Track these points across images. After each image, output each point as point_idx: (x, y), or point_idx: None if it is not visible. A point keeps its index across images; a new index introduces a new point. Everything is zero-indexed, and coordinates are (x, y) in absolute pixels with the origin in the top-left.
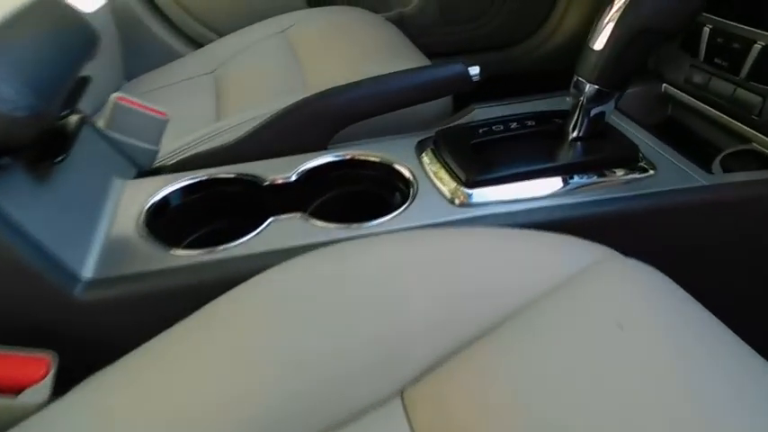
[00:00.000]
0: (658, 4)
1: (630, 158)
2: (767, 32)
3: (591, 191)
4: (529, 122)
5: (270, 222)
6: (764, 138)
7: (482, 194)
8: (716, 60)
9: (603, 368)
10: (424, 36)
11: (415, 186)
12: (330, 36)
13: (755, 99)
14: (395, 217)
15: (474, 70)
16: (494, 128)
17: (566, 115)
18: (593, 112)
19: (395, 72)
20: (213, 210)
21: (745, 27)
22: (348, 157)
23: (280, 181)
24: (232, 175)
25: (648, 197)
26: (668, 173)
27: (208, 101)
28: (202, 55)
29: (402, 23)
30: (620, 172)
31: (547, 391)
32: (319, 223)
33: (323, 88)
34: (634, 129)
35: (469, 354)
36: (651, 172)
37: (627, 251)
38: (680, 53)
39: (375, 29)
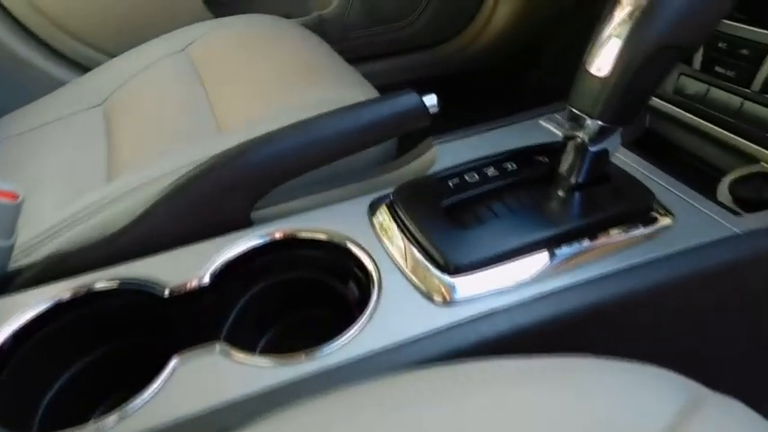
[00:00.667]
0: (679, 12)
1: (646, 209)
2: None
3: (607, 260)
4: (509, 165)
5: (174, 367)
6: None
7: (470, 284)
8: (717, 69)
9: None
10: (346, 39)
11: (377, 277)
12: (239, 53)
13: None
14: (358, 335)
15: (430, 100)
16: (466, 177)
17: (552, 150)
18: (595, 153)
19: (330, 113)
20: (83, 349)
21: (759, 30)
22: (279, 236)
23: (187, 287)
24: (115, 284)
25: (678, 258)
26: (690, 219)
27: (94, 147)
28: (89, 82)
29: (322, 27)
30: (635, 229)
31: None
32: (249, 359)
33: (236, 129)
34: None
35: None
36: (668, 221)
37: (661, 333)
38: None
39: (292, 40)
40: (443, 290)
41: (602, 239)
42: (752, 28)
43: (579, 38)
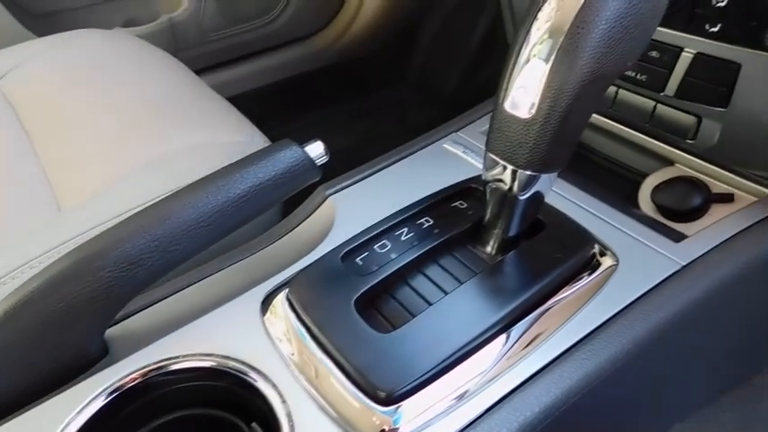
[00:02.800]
0: (617, 41)
1: (589, 258)
2: (701, 37)
3: (562, 334)
4: (425, 222)
5: None
6: (695, 159)
7: (412, 412)
8: (627, 72)
9: None
10: (205, 43)
11: (285, 415)
12: (72, 87)
13: (688, 120)
14: None
15: (316, 149)
16: (377, 248)
17: (470, 192)
18: (525, 202)
19: (195, 187)
20: None
21: (669, 31)
22: (141, 378)
23: None
24: None
25: (631, 316)
26: (632, 257)
27: None
28: None
29: (174, 32)
30: (582, 281)
31: None
32: None
33: (78, 206)
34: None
35: None
36: (611, 262)
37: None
38: None
39: (140, 64)
40: (379, 426)
41: (552, 308)
42: (662, 29)
43: (453, 15)
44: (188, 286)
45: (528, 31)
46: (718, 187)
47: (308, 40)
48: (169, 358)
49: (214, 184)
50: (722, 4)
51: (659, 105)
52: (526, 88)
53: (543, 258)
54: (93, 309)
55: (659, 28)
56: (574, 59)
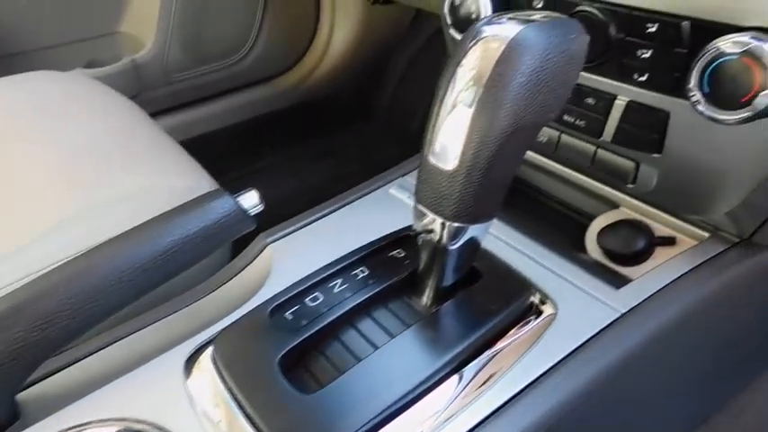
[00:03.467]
0: (533, 92)
1: (526, 308)
2: (631, 85)
3: (497, 390)
4: (360, 272)
5: None
6: (638, 203)
7: None
8: (566, 118)
9: None
10: (170, 84)
11: None
12: (8, 130)
13: (627, 165)
14: None
15: (250, 200)
16: (308, 302)
17: (408, 241)
18: (458, 251)
19: (120, 239)
20: None
21: (603, 78)
22: None
23: None
24: None
25: (568, 368)
26: (572, 308)
27: None
28: None
29: (137, 74)
30: (519, 333)
31: None
32: None
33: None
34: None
35: None
36: (551, 311)
37: None
38: None
39: (83, 102)
40: None
41: (486, 362)
42: (595, 77)
43: (419, 54)
44: (112, 343)
45: (450, 82)
46: (661, 230)
47: (275, 81)
48: (80, 425)
49: (140, 236)
50: (647, 56)
51: (599, 150)
52: (449, 140)
53: (478, 309)
54: (1, 371)
55: (593, 76)
56: (493, 112)
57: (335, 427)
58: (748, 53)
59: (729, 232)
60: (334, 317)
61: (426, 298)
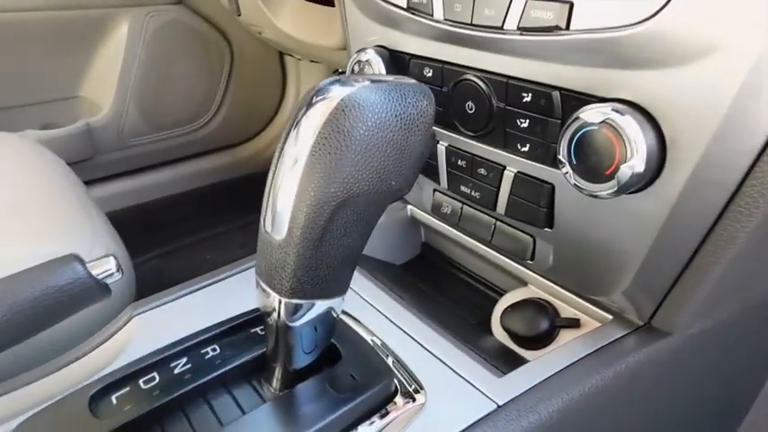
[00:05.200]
0: (360, 158)
1: (385, 396)
2: (517, 156)
3: None
4: (210, 351)
5: None
6: (544, 281)
7: None
8: (462, 189)
9: None
10: (126, 147)
11: None
12: None
13: (525, 239)
14: None
15: (102, 266)
16: (141, 383)
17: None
18: (303, 329)
19: None
20: None
21: (487, 147)
22: None
23: None
24: None
25: None
26: (443, 398)
27: None
28: None
29: (91, 136)
30: (373, 425)
31: None
32: None
33: None
34: (376, 296)
35: None
36: (419, 401)
37: None
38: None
39: (12, 164)
40: None
41: None
42: (485, 146)
43: None
44: None
45: (285, 145)
46: (566, 311)
47: (237, 148)
48: None
49: None
50: (525, 125)
51: (498, 223)
52: (280, 207)
53: (331, 395)
54: None
55: (482, 145)
56: (319, 177)
57: None
58: (608, 124)
59: (631, 315)
60: (161, 402)
61: (276, 381)
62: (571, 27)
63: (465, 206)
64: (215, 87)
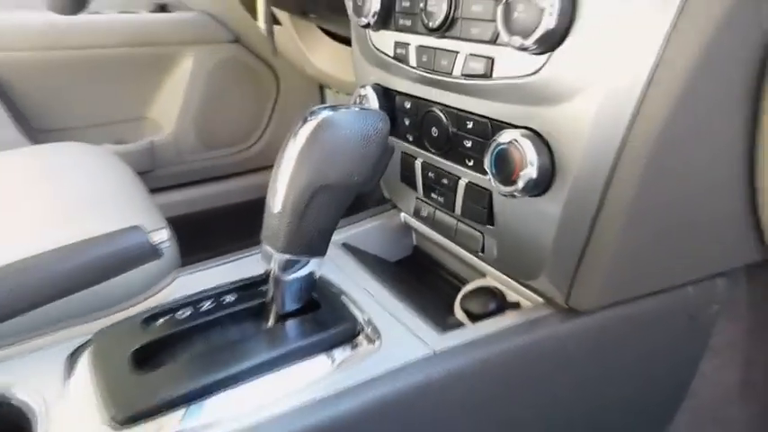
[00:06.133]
0: (329, 158)
1: (348, 335)
2: (465, 168)
3: (299, 395)
4: (229, 298)
5: None
6: (494, 271)
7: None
8: (432, 196)
9: None
10: (182, 163)
11: None
12: (31, 183)
13: (476, 235)
14: None
15: (160, 236)
16: (177, 316)
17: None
18: (291, 283)
19: (49, 253)
20: None
21: (447, 162)
22: None
23: None
24: None
25: (370, 386)
26: (394, 343)
27: None
28: None
29: (153, 154)
30: (337, 354)
31: None
32: None
33: None
34: (364, 278)
35: None
36: (375, 344)
37: None
38: (403, 185)
39: (91, 168)
40: None
41: (310, 367)
42: (444, 161)
43: None
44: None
45: (285, 149)
46: (511, 296)
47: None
48: None
49: (61, 252)
50: (469, 145)
51: (459, 223)
52: (279, 189)
53: (308, 329)
54: None
55: (443, 160)
56: (304, 170)
57: (161, 390)
58: (513, 143)
59: (556, 298)
60: (189, 325)
61: (271, 319)
62: (493, 75)
63: (437, 210)
64: (261, 114)
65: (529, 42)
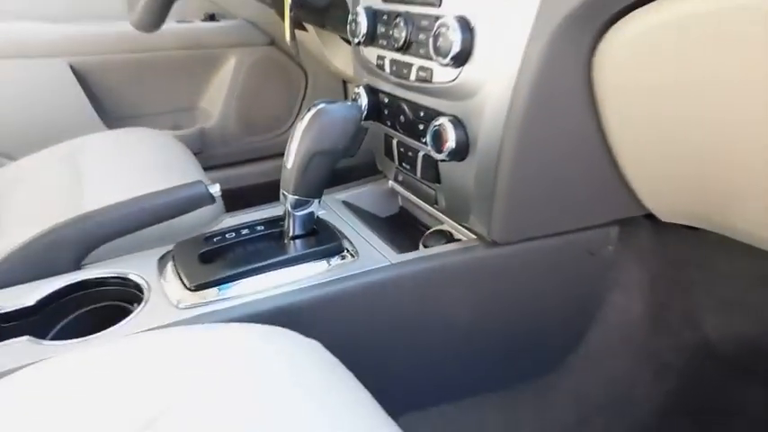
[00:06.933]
0: (322, 133)
1: (336, 250)
2: (421, 144)
3: (302, 281)
4: (259, 227)
5: None
6: (449, 220)
7: (205, 296)
8: (404, 164)
9: None
10: (227, 146)
11: (147, 295)
12: (115, 157)
13: (431, 191)
14: (122, 326)
15: (214, 188)
16: (226, 236)
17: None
18: (299, 216)
19: (139, 196)
20: None
21: (411, 140)
22: (85, 278)
23: (17, 307)
24: None
25: (343, 281)
26: (367, 257)
27: None
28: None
29: (203, 137)
30: (328, 262)
31: None
32: (45, 343)
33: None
34: (356, 223)
35: None
36: (352, 258)
37: (334, 328)
38: (387, 158)
39: (158, 147)
40: (187, 300)
41: (311, 268)
42: (409, 139)
43: None
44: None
45: (294, 130)
46: (458, 236)
47: None
48: (103, 273)
49: (149, 196)
50: (422, 128)
51: (421, 184)
52: (291, 153)
53: (306, 246)
54: (77, 241)
55: (408, 138)
56: (306, 140)
57: (217, 273)
58: (441, 125)
59: (483, 235)
60: (233, 241)
61: (286, 240)
62: (432, 81)
63: (407, 175)
64: (293, 105)
65: (446, 61)
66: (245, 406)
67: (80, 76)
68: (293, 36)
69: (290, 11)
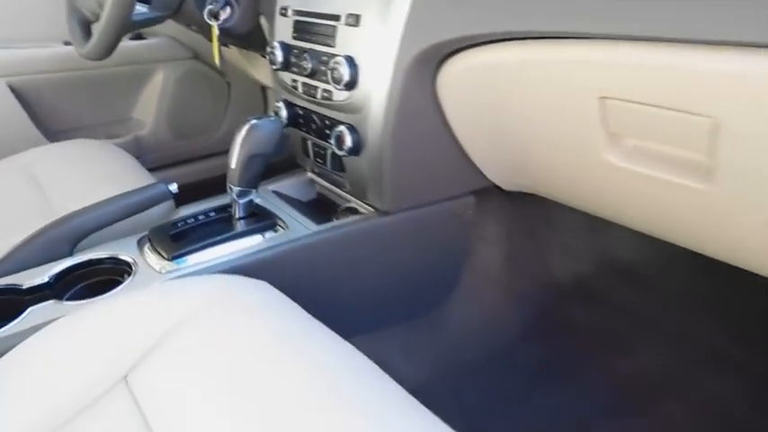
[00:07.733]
0: (256, 141)
1: (271, 225)
2: (329, 144)
3: (248, 249)
4: (212, 213)
5: (29, 311)
6: (354, 199)
7: (179, 263)
8: (317, 160)
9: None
10: (160, 150)
11: (136, 268)
12: (68, 167)
13: (339, 178)
14: (119, 291)
15: (173, 187)
16: (188, 221)
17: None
18: (242, 203)
19: (114, 196)
20: None
21: (322, 141)
22: (86, 258)
23: (37, 283)
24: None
25: (278, 246)
26: (295, 229)
27: None
28: None
29: (139, 144)
30: (266, 234)
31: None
32: (68, 303)
33: (64, 212)
34: (285, 206)
35: None
36: (284, 230)
37: (272, 282)
38: (304, 156)
39: (103, 156)
40: (166, 266)
41: (251, 241)
42: (322, 141)
43: None
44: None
45: (236, 137)
46: (361, 210)
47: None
48: (97, 254)
49: (121, 196)
50: (329, 133)
51: (331, 173)
52: (233, 155)
53: (254, 222)
54: (68, 235)
55: (319, 140)
56: (245, 146)
57: (186, 246)
58: (340, 131)
59: (378, 206)
60: (194, 224)
61: (233, 222)
62: (333, 99)
63: (321, 167)
64: (219, 110)
65: (341, 87)
66: (216, 326)
67: (18, 95)
68: (221, 57)
69: (218, 39)
